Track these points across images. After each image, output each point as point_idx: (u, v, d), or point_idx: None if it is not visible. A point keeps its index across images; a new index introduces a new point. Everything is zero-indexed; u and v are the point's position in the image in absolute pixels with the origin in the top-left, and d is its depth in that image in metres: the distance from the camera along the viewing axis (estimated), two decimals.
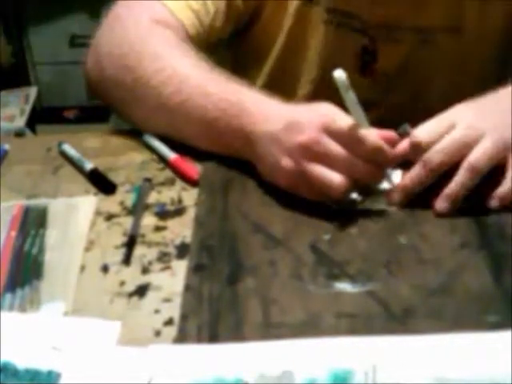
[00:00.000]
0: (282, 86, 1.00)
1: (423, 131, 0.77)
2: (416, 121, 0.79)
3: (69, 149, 0.89)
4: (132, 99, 0.88)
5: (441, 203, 0.76)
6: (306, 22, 0.97)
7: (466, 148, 0.75)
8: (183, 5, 0.92)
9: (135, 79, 0.86)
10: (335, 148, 0.74)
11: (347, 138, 0.74)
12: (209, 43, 0.95)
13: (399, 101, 1.00)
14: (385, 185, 0.79)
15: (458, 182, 0.75)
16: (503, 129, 0.76)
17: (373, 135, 0.76)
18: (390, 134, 0.77)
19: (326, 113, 0.76)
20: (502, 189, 0.75)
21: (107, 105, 0.93)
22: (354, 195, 0.78)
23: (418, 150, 0.77)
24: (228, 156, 0.84)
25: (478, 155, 0.75)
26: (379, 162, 0.76)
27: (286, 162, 0.76)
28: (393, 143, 0.77)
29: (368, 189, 0.79)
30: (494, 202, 0.76)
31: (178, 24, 0.91)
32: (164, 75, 0.84)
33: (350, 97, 0.75)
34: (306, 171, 0.75)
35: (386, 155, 0.76)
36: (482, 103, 0.79)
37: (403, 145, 0.80)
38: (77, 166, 0.87)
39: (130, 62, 0.87)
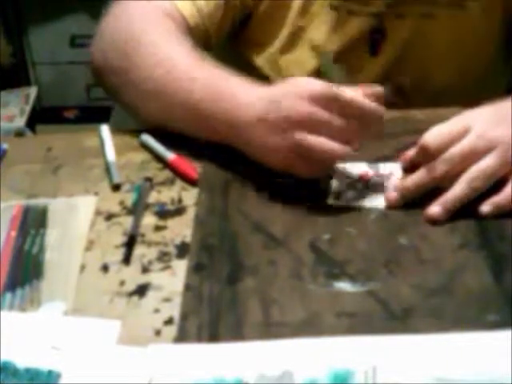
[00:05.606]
0: (286, 74, 1.01)
1: (434, 135, 0.77)
2: (425, 103, 0.78)
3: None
4: (126, 83, 0.90)
5: (434, 208, 0.76)
6: (310, 11, 0.98)
7: (473, 158, 0.75)
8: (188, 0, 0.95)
9: (130, 64, 0.89)
10: (327, 116, 0.75)
11: (335, 104, 0.75)
12: (208, 39, 0.97)
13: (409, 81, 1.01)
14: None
15: (455, 194, 0.75)
16: None
17: (359, 96, 0.77)
18: (375, 88, 0.79)
19: (304, 84, 0.77)
20: (498, 197, 0.75)
21: (106, 91, 0.95)
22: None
23: (426, 154, 0.77)
24: (220, 144, 0.84)
25: (479, 173, 0.75)
26: (369, 121, 0.77)
27: (281, 141, 0.77)
28: (380, 99, 0.78)
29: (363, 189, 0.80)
30: (486, 208, 0.75)
31: (180, 17, 0.94)
32: (156, 59, 0.87)
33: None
34: (304, 144, 0.75)
35: (376, 112, 0.77)
36: (501, 109, 0.78)
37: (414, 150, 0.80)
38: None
39: (128, 48, 0.89)
